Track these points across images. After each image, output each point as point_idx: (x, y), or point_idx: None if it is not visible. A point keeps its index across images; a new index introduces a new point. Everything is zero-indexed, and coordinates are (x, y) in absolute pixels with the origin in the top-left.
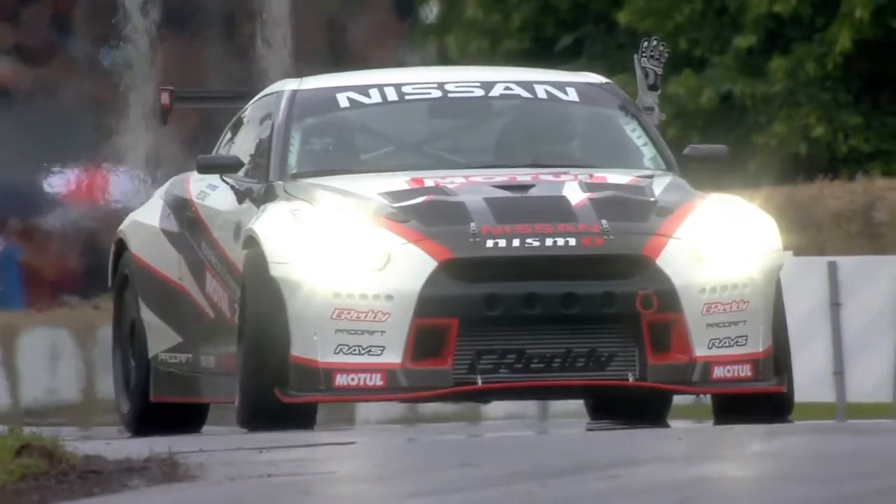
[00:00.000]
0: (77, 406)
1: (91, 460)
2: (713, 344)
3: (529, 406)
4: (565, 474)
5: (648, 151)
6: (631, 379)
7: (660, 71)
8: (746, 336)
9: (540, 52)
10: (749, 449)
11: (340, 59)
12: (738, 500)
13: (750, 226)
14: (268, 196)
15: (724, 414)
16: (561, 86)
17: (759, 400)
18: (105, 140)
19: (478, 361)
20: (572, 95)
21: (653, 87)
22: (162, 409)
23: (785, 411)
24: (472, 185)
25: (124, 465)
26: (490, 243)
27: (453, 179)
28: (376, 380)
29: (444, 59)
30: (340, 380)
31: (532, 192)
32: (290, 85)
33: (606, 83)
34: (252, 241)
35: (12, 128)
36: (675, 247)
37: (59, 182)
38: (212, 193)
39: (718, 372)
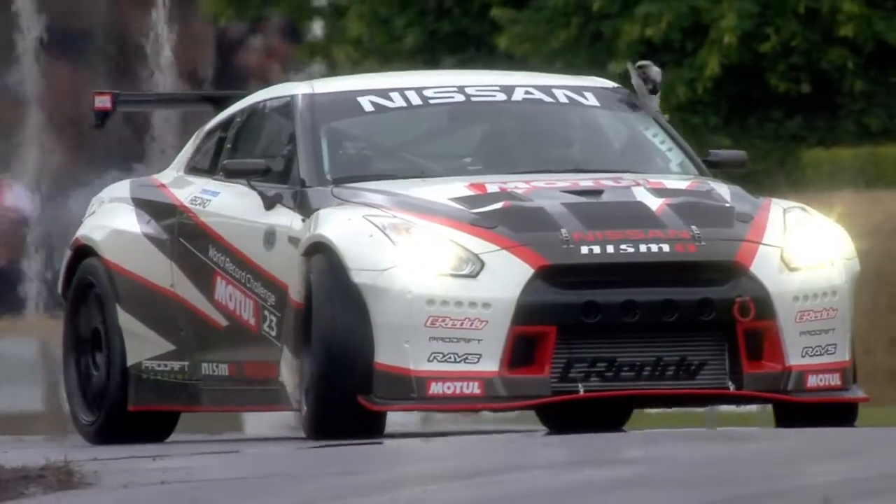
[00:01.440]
0: None
1: None
2: (806, 352)
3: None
4: (450, 479)
5: (675, 156)
6: (732, 388)
7: (654, 87)
8: (835, 344)
9: None
10: (625, 455)
11: (230, 80)
12: (613, 501)
13: (828, 233)
14: (308, 202)
15: (787, 420)
16: (579, 90)
17: (828, 408)
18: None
19: (570, 369)
20: (592, 100)
21: (653, 92)
22: (131, 419)
23: (849, 420)
24: (538, 189)
25: (21, 473)
26: (585, 250)
27: (516, 184)
28: (473, 388)
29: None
30: (435, 388)
31: (606, 198)
32: (301, 89)
33: (617, 87)
34: (322, 248)
35: None
36: (765, 253)
37: None
38: (214, 199)
39: (812, 381)
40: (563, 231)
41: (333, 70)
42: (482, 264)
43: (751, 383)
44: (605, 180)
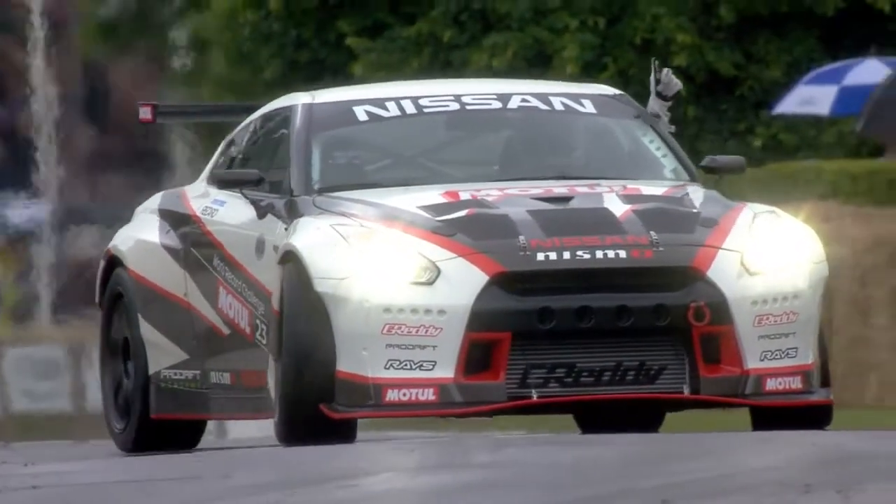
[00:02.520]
0: None
1: None
2: (765, 356)
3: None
4: (310, 484)
5: (669, 162)
6: (686, 392)
7: (664, 91)
8: (797, 348)
9: None
10: (476, 459)
11: (103, 104)
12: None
13: (795, 236)
14: (295, 211)
15: (763, 423)
16: (576, 98)
17: (800, 411)
18: None
19: (528, 375)
20: (589, 107)
21: (661, 96)
22: (160, 427)
23: (824, 422)
24: (509, 197)
25: None
26: (541, 256)
27: (489, 192)
28: (428, 395)
29: None
30: (391, 395)
31: (573, 204)
32: (302, 99)
33: (619, 94)
34: (292, 257)
35: None
36: (724, 258)
37: None
38: (220, 209)
39: (771, 384)
40: (521, 238)
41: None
42: (438, 272)
43: (708, 387)
44: (580, 187)
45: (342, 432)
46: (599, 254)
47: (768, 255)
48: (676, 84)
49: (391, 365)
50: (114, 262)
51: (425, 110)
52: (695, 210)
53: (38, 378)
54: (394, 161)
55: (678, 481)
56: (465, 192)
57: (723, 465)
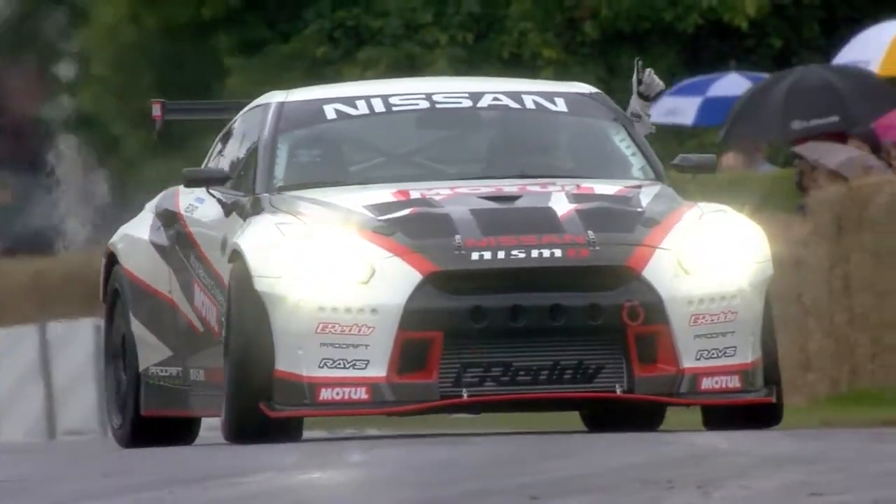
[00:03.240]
0: None
1: None
2: (701, 355)
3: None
4: (191, 483)
5: (637, 161)
6: (618, 391)
7: (646, 91)
8: (735, 347)
9: None
10: (350, 458)
11: None
12: (340, 500)
13: (738, 235)
14: (254, 209)
15: (713, 423)
16: (549, 96)
17: (747, 409)
18: None
19: (463, 374)
20: (561, 106)
21: (642, 96)
22: (152, 423)
23: (773, 421)
24: (457, 196)
25: None
26: (475, 256)
27: (439, 191)
28: (360, 394)
29: (81, 116)
30: (325, 394)
31: (518, 204)
32: (277, 97)
33: (595, 93)
34: (237, 255)
35: None
36: (661, 258)
37: None
38: (199, 207)
39: (706, 383)
40: (458, 237)
41: (80, 111)
42: (374, 271)
43: (642, 386)
44: (532, 186)
45: (285, 431)
46: (535, 253)
47: (707, 254)
48: (658, 84)
49: (325, 364)
50: (112, 259)
51: (394, 109)
52: (639, 209)
53: None
54: (357, 160)
55: (545, 479)
56: (416, 191)
57: (588, 464)
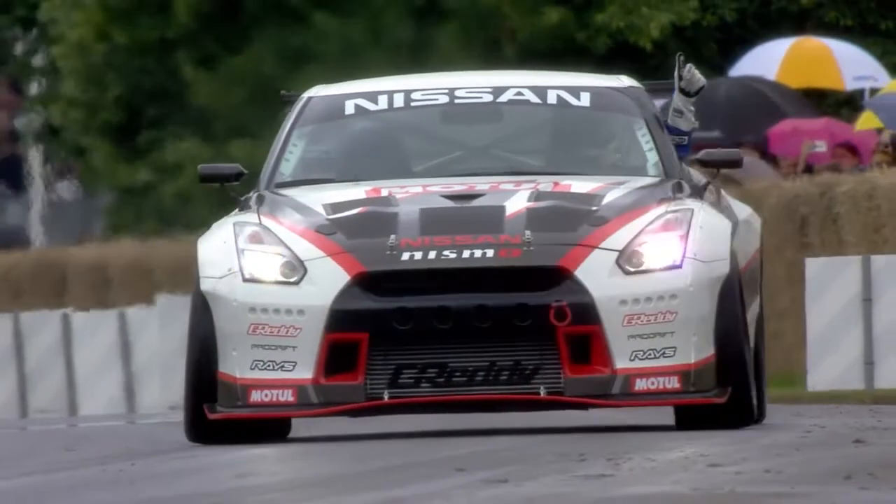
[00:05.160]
0: None
1: None
2: (636, 356)
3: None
4: (149, 455)
5: (652, 157)
6: (543, 393)
7: (687, 87)
8: (675, 347)
9: (129, 125)
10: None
11: None
12: (276, 471)
13: (693, 235)
14: (247, 206)
15: (686, 421)
16: (576, 91)
17: (717, 410)
18: None
19: (399, 376)
20: (584, 100)
21: (684, 92)
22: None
23: (742, 421)
24: (421, 195)
25: None
26: (405, 256)
27: (409, 189)
28: (287, 396)
29: (50, 130)
30: (255, 396)
31: (475, 203)
32: (311, 91)
33: (629, 87)
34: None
35: None
36: (598, 258)
37: None
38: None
39: (640, 384)
40: (392, 238)
41: (48, 124)
42: (305, 271)
43: (572, 388)
44: (507, 184)
45: (231, 433)
46: (465, 253)
47: (648, 254)
48: (700, 80)
49: (256, 365)
50: None
51: (413, 104)
52: (594, 209)
53: None
54: (367, 155)
55: (470, 453)
56: (387, 188)
57: (510, 441)
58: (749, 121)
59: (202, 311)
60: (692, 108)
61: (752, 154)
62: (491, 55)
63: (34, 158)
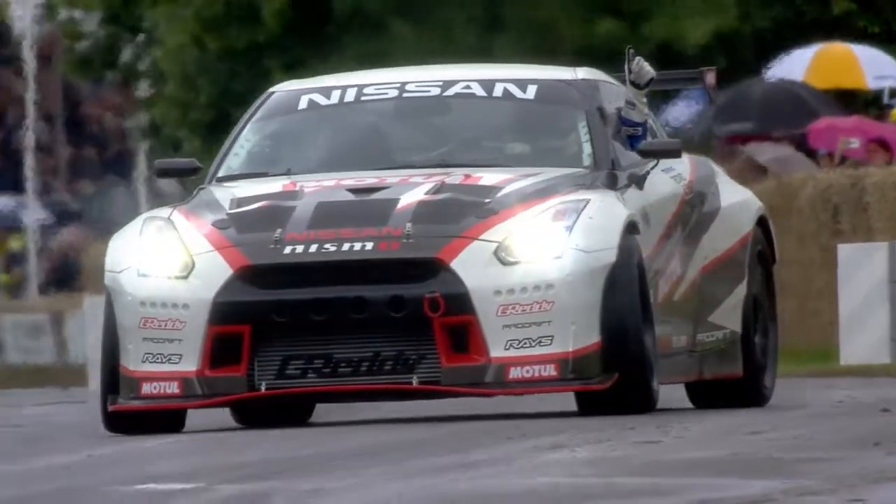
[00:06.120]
0: None
1: None
2: (510, 345)
3: None
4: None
5: (587, 148)
6: (415, 382)
7: (636, 80)
8: (552, 336)
9: (219, 124)
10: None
11: (77, 126)
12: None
13: (579, 226)
14: (183, 200)
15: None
16: (523, 83)
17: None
18: None
19: (286, 367)
20: (529, 93)
21: (634, 84)
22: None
23: (635, 406)
24: (327, 189)
25: None
26: (287, 250)
27: (322, 183)
28: (173, 388)
29: (153, 129)
30: (145, 388)
31: (374, 196)
32: (276, 86)
33: (581, 80)
34: None
35: None
36: (475, 249)
37: None
38: None
39: (515, 373)
40: (278, 232)
41: (153, 124)
42: (193, 266)
43: (448, 377)
44: (417, 177)
45: (166, 425)
46: (346, 246)
47: (526, 245)
48: (649, 72)
49: (146, 358)
50: None
51: (362, 98)
52: (486, 201)
53: None
54: (300, 150)
55: (406, 439)
56: (300, 182)
57: (442, 424)
58: (781, 116)
59: (108, 305)
60: (644, 99)
61: (790, 148)
62: (545, 62)
63: (141, 154)
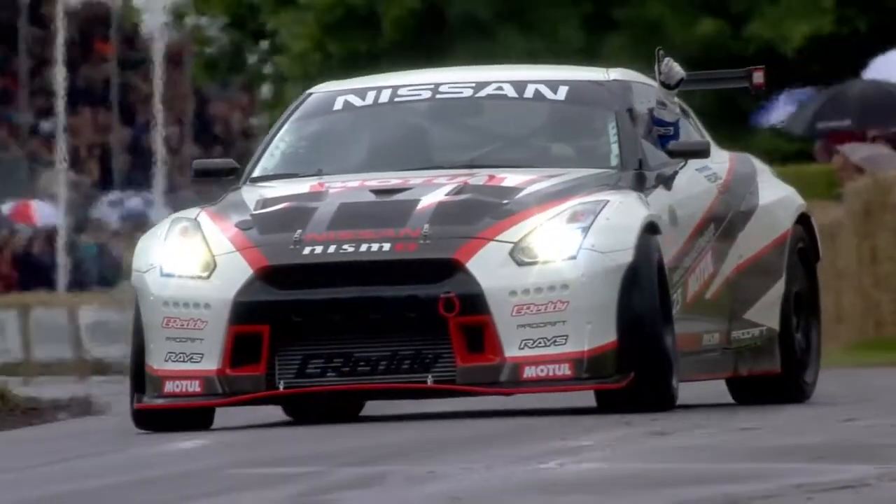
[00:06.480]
0: None
1: (30, 400)
2: (525, 344)
3: None
4: None
5: (616, 149)
6: (430, 381)
7: (666, 80)
8: (566, 336)
9: None
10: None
11: (205, 128)
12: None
13: (596, 226)
14: (215, 201)
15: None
16: (554, 84)
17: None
18: (35, 181)
19: (306, 366)
20: (560, 94)
21: (664, 85)
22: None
23: (653, 405)
24: (351, 190)
25: (55, 404)
26: (307, 251)
27: (348, 184)
28: (195, 386)
29: None
30: (168, 387)
31: (395, 197)
32: (315, 87)
33: (613, 80)
34: None
35: None
36: (491, 250)
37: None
38: None
39: (529, 372)
40: (298, 232)
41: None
42: (215, 266)
43: (463, 376)
44: (440, 178)
45: (193, 423)
46: (364, 247)
47: (544, 245)
48: (678, 72)
49: (169, 357)
50: None
51: (396, 99)
52: (505, 202)
53: None
54: (333, 151)
55: (380, 444)
56: (328, 183)
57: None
58: (877, 116)
59: (136, 305)
60: (676, 99)
61: (885, 147)
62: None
63: None
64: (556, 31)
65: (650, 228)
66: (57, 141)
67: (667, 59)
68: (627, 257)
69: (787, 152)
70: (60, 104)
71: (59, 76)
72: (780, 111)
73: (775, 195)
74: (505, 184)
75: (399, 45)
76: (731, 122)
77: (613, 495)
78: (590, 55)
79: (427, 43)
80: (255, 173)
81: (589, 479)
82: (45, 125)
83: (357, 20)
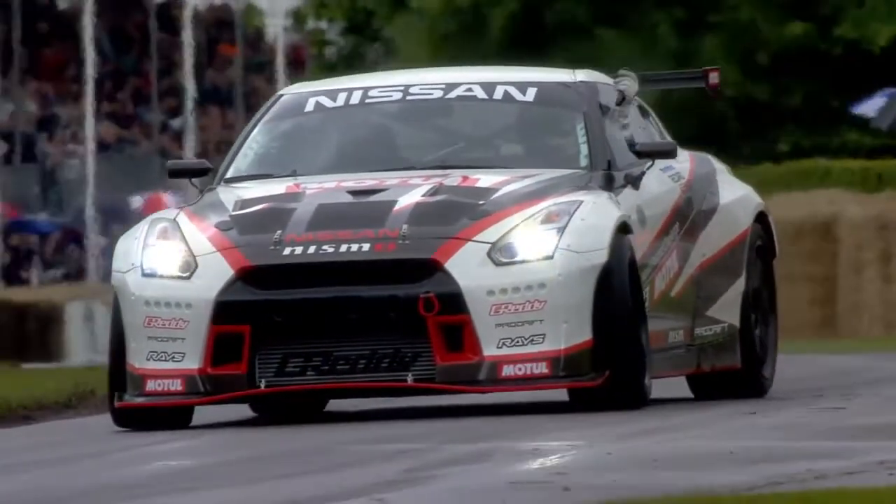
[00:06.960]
0: None
1: None
2: (503, 343)
3: None
4: None
5: (584, 150)
6: (410, 380)
7: (625, 95)
8: (544, 335)
9: None
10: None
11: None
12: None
13: (571, 227)
14: (191, 202)
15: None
16: (523, 86)
17: (597, 391)
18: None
19: (286, 365)
20: (529, 96)
21: (622, 101)
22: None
23: (627, 402)
24: (328, 191)
25: None
26: (287, 251)
27: (324, 185)
28: (177, 385)
29: None
30: (150, 385)
31: (372, 198)
32: (286, 88)
33: (581, 82)
34: None
35: (107, 168)
36: (468, 250)
37: (137, 202)
38: None
39: (507, 370)
40: (278, 233)
41: None
42: (196, 267)
43: (442, 375)
44: (416, 178)
45: (172, 421)
46: (343, 248)
47: (522, 245)
48: (633, 86)
49: (151, 356)
50: None
51: (367, 101)
52: (481, 202)
53: None
54: (305, 152)
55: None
56: (304, 184)
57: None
58: None
59: (116, 304)
60: (633, 105)
61: None
62: (747, 62)
63: None
64: (654, 33)
65: (623, 228)
66: (185, 138)
67: (619, 78)
68: (602, 257)
69: (870, 146)
70: (190, 104)
71: (189, 77)
72: (871, 105)
73: (734, 194)
74: (479, 185)
75: (503, 49)
76: (822, 117)
77: (708, 471)
78: (686, 58)
79: (528, 47)
80: (229, 174)
81: (684, 454)
82: (175, 122)
83: (466, 26)
